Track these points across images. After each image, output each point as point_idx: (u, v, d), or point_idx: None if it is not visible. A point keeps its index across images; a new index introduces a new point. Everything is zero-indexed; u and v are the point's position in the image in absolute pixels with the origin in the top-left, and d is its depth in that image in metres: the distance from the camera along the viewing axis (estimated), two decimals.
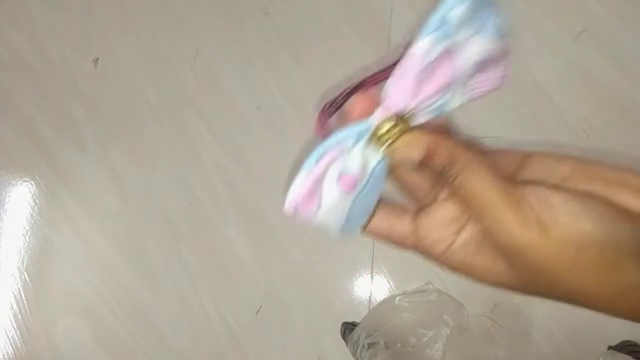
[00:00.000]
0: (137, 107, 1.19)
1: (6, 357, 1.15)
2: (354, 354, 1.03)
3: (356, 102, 0.25)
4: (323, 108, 0.26)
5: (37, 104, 1.20)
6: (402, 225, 0.28)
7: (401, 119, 0.25)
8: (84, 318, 1.15)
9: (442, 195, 0.28)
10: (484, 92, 0.26)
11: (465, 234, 0.27)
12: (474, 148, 0.26)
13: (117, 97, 1.20)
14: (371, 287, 1.10)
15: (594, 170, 0.25)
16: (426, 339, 1.02)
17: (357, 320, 1.08)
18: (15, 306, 1.16)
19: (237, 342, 1.13)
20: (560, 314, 1.05)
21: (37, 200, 1.18)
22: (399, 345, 1.02)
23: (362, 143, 0.25)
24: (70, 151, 1.18)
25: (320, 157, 0.25)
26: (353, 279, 1.11)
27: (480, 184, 0.24)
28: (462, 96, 0.26)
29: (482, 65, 0.25)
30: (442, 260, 0.27)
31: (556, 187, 0.24)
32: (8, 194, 1.19)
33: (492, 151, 0.28)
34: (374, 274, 1.10)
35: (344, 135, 0.25)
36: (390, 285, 1.10)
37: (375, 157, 0.26)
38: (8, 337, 1.15)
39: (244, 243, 1.14)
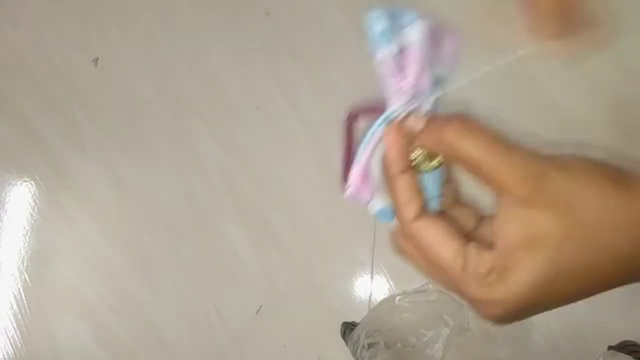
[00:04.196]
0: (137, 107, 1.19)
1: (6, 357, 1.15)
2: (354, 354, 1.03)
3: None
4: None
5: (37, 104, 1.20)
6: (448, 248, 0.29)
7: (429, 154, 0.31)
8: (84, 318, 1.15)
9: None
10: (453, 55, 0.32)
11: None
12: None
13: (117, 97, 1.20)
14: (371, 287, 1.10)
15: None
16: (426, 339, 1.02)
17: (357, 320, 1.08)
18: (15, 306, 1.16)
19: (237, 342, 1.13)
20: (560, 314, 1.04)
21: (37, 200, 1.18)
22: (399, 345, 1.02)
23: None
24: (70, 151, 1.18)
25: (364, 147, 0.31)
26: (353, 279, 1.11)
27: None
28: (443, 72, 0.31)
29: (435, 41, 0.31)
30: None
31: None
32: (8, 194, 1.19)
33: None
34: (374, 274, 1.10)
35: (379, 123, 0.31)
36: (390, 285, 1.10)
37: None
38: (8, 337, 1.15)
39: (244, 243, 1.14)
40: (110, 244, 1.16)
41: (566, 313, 1.11)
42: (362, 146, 0.31)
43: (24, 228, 1.17)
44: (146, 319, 1.14)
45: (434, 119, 0.30)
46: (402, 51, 0.30)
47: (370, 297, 1.10)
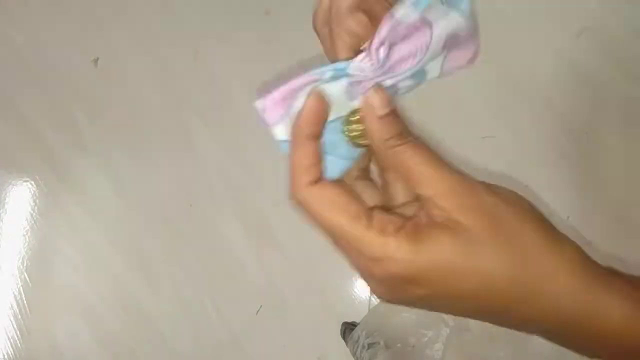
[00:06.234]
0: (137, 107, 1.19)
1: (6, 357, 1.15)
2: (354, 354, 1.03)
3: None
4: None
5: (37, 104, 1.20)
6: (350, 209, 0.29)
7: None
8: (84, 318, 1.15)
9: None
10: (455, 68, 0.30)
11: None
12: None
13: (117, 97, 1.20)
14: None
15: None
16: (426, 339, 1.01)
17: (357, 320, 1.08)
18: (15, 306, 1.16)
19: (237, 342, 1.13)
20: None
21: (37, 200, 1.18)
22: (399, 345, 1.02)
23: (343, 82, 0.29)
24: (70, 151, 1.18)
25: (306, 74, 0.29)
26: (353, 279, 1.11)
27: None
28: (435, 70, 0.29)
29: (454, 42, 0.29)
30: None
31: None
32: (8, 194, 1.19)
33: None
34: None
35: (325, 69, 0.29)
36: None
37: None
38: (8, 337, 1.15)
39: (244, 243, 1.14)
40: (110, 244, 1.16)
41: None
42: (307, 74, 0.29)
43: (24, 228, 1.17)
44: (146, 318, 1.14)
45: (393, 117, 0.29)
46: (421, 20, 0.27)
47: (370, 297, 1.10)
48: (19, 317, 1.16)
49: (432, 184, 0.27)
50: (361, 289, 1.11)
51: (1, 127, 1.20)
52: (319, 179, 0.29)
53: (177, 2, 1.21)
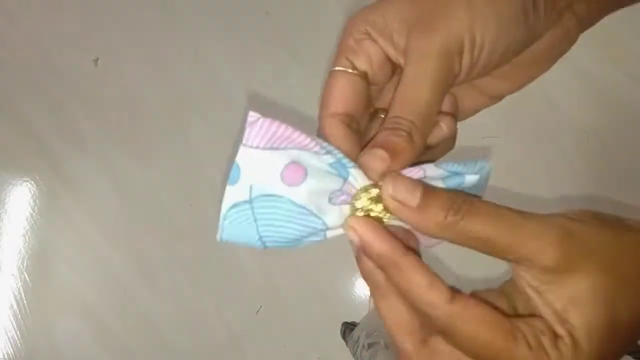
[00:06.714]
0: (137, 107, 1.19)
1: (6, 357, 1.15)
2: (354, 354, 1.03)
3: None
4: None
5: (37, 104, 1.20)
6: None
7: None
8: (84, 318, 1.15)
9: None
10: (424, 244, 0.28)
11: None
12: None
13: (117, 97, 1.20)
14: None
15: None
16: None
17: (357, 320, 1.08)
18: (15, 306, 1.16)
19: (237, 342, 1.13)
20: None
21: (37, 200, 1.18)
22: None
23: (344, 172, 0.26)
24: (70, 151, 1.18)
25: (309, 137, 0.26)
26: (353, 279, 1.11)
27: None
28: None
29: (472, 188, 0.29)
30: None
31: None
32: (8, 194, 1.19)
33: None
34: None
35: (329, 151, 0.26)
36: None
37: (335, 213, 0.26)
38: (8, 337, 1.15)
39: None
40: (110, 244, 1.16)
41: None
42: (310, 138, 0.26)
43: (24, 228, 1.17)
44: (146, 319, 1.14)
45: (431, 195, 0.25)
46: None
47: (370, 297, 1.10)
48: (19, 317, 1.16)
49: (525, 242, 0.24)
50: (361, 289, 1.11)
51: (1, 127, 1.20)
52: (453, 294, 0.24)
53: (177, 2, 1.21)
